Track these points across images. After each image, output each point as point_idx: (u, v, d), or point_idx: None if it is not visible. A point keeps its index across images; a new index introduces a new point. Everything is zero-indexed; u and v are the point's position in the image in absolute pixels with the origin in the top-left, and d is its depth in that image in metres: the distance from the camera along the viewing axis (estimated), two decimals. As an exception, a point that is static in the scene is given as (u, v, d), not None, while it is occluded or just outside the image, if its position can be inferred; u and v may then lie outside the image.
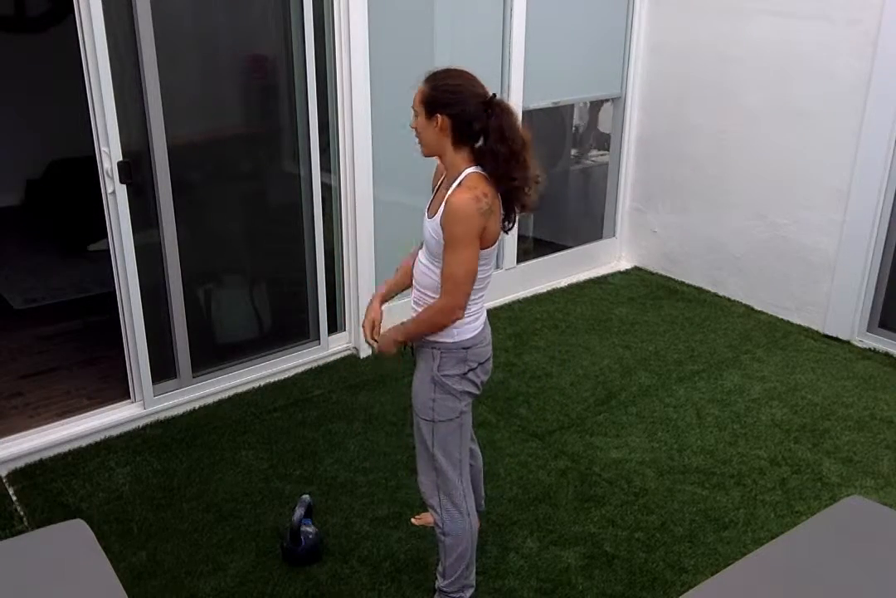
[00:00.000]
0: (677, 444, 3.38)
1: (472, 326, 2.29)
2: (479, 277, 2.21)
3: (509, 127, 2.13)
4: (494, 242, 2.20)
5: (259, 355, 3.77)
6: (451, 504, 2.39)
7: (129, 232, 3.21)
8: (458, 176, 2.18)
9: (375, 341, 2.41)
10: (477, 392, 2.37)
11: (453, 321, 2.23)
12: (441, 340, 2.27)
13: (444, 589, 2.50)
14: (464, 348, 2.28)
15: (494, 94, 2.16)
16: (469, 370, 2.30)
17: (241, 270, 3.80)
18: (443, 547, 2.45)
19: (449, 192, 2.17)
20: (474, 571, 2.53)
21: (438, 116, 2.13)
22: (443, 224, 2.14)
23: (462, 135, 2.15)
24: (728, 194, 4.54)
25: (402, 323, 2.32)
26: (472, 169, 2.18)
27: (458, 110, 2.12)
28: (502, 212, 2.22)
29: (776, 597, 1.63)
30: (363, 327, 2.45)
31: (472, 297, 2.24)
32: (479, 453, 2.72)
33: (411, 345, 2.39)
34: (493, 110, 2.13)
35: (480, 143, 2.16)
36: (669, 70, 4.62)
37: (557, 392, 3.73)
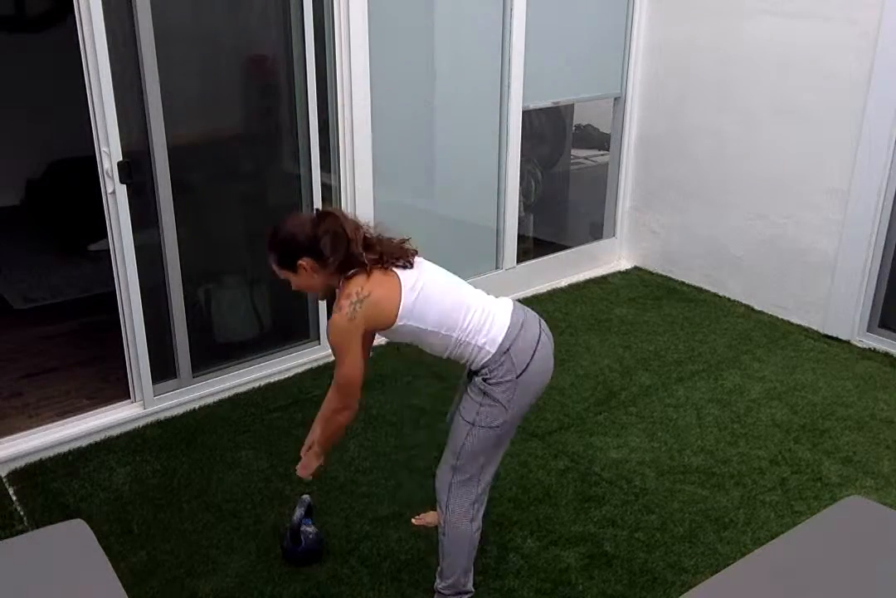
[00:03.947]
0: (677, 444, 3.38)
1: (495, 331, 2.28)
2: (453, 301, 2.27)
3: (340, 224, 2.22)
4: (392, 324, 2.24)
5: (259, 355, 3.77)
6: (458, 505, 2.38)
7: (129, 232, 3.21)
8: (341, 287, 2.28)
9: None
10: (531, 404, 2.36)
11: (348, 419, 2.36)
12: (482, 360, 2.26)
13: (442, 591, 2.51)
14: (503, 352, 2.25)
15: (317, 209, 2.37)
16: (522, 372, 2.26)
17: (241, 270, 3.79)
18: (441, 547, 2.46)
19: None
20: (472, 578, 2.52)
21: (301, 263, 2.23)
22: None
23: (326, 262, 2.23)
24: (728, 194, 4.54)
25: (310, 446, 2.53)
26: (358, 280, 2.24)
27: (307, 247, 2.22)
28: (396, 263, 2.27)
29: (776, 597, 1.63)
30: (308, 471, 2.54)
31: (463, 324, 2.27)
32: None
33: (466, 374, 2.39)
34: (322, 222, 2.23)
35: (328, 254, 2.24)
36: (669, 70, 4.62)
37: (557, 392, 3.72)
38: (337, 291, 2.30)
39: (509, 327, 2.26)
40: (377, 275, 2.22)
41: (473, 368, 2.30)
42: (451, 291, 2.30)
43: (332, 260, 2.22)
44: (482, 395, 2.27)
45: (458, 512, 2.39)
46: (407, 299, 2.21)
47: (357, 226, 2.27)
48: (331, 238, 2.21)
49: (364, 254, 2.21)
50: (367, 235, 2.27)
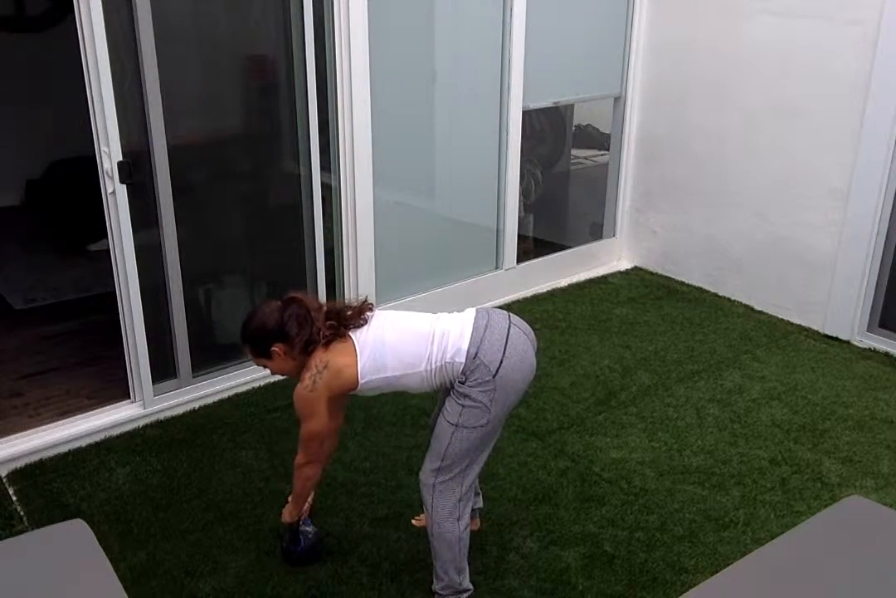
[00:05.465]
0: (677, 444, 3.38)
1: (460, 342, 2.32)
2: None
3: (304, 307, 2.39)
4: (357, 385, 2.35)
5: (259, 355, 3.76)
6: (443, 505, 2.40)
7: (129, 232, 3.21)
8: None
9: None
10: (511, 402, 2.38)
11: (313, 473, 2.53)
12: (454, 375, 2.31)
13: (440, 592, 2.51)
14: (473, 357, 2.28)
15: (282, 297, 2.43)
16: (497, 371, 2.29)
17: (241, 270, 3.79)
18: (432, 548, 2.47)
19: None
20: (467, 576, 2.53)
21: (274, 349, 2.40)
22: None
23: (294, 344, 2.37)
24: (728, 194, 4.54)
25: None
26: (318, 354, 2.36)
27: (276, 333, 2.37)
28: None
29: (776, 597, 1.63)
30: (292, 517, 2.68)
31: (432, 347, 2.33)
32: None
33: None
34: (288, 308, 2.38)
35: (293, 335, 2.37)
36: (669, 70, 4.62)
37: (557, 392, 3.73)
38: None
39: (472, 333, 2.31)
40: (334, 345, 2.35)
41: (455, 379, 2.34)
42: (405, 330, 2.37)
43: (297, 340, 2.36)
44: (463, 397, 2.31)
45: (443, 512, 2.41)
46: (362, 357, 2.32)
47: (319, 305, 2.44)
48: (296, 320, 2.36)
49: (322, 330, 2.34)
50: (328, 310, 2.41)
